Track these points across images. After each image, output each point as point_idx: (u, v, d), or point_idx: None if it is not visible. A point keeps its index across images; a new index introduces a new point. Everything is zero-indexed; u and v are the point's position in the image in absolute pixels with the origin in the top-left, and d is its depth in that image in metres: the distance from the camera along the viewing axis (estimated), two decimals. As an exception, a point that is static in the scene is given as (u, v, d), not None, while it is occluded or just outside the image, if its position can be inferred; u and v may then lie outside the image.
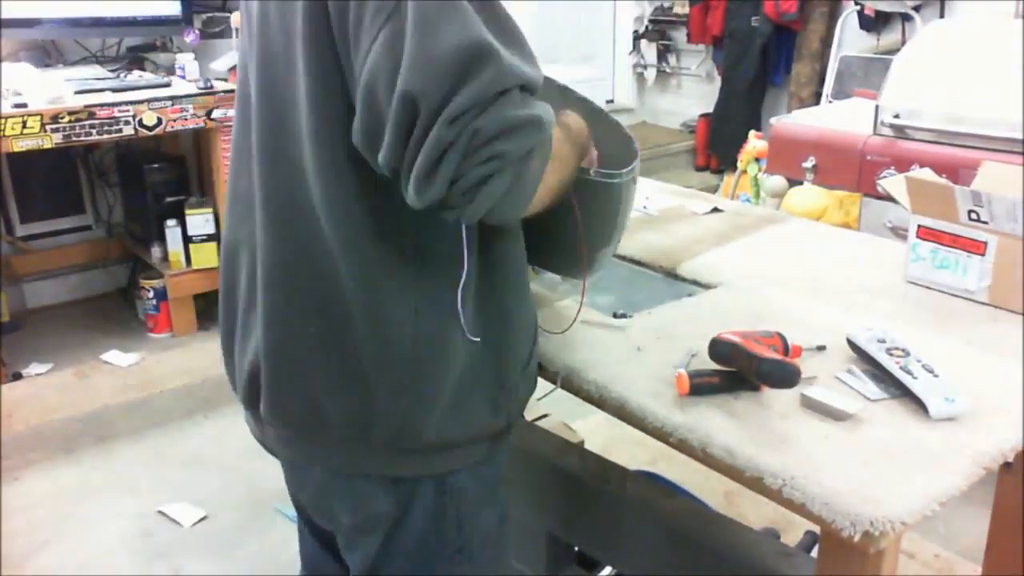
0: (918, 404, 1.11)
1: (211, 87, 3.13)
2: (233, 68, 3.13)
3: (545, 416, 2.21)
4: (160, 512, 2.44)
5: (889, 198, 2.00)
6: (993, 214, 1.41)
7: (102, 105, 2.90)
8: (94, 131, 2.88)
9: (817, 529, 1.02)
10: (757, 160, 3.63)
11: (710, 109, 5.49)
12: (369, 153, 0.94)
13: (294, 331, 1.09)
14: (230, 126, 2.53)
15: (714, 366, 1.19)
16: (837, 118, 3.01)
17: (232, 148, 1.20)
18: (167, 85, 3.16)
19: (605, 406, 1.21)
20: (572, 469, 1.66)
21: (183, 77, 3.28)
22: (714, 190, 4.15)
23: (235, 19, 3.34)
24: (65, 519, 2.42)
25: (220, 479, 2.57)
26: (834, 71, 4.13)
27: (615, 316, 1.42)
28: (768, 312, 1.41)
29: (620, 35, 6.01)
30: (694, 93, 5.83)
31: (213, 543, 2.34)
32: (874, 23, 4.57)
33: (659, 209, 1.95)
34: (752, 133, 3.84)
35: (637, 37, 5.95)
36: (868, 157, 2.71)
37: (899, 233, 2.44)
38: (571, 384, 1.26)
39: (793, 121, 3.08)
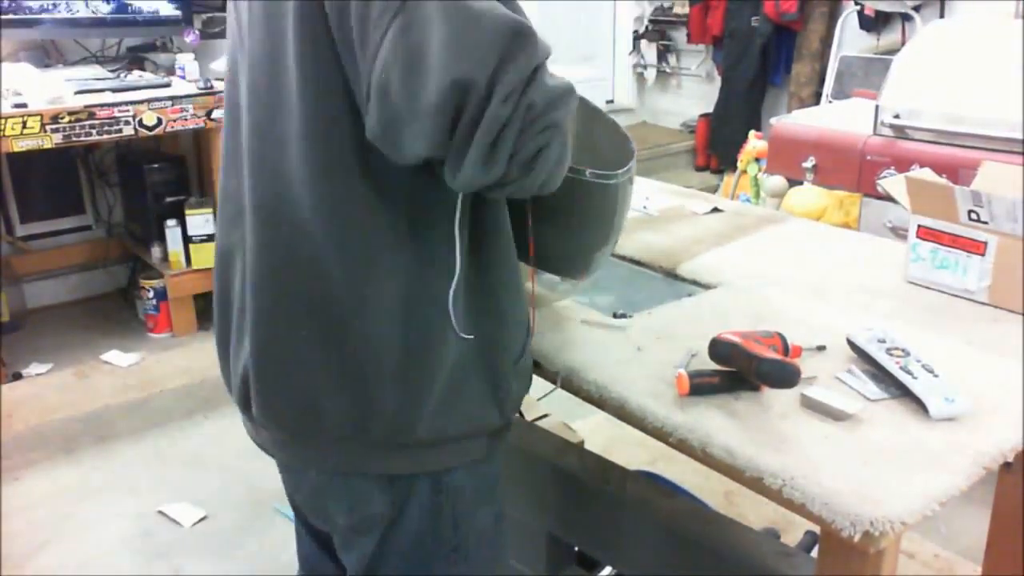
0: (918, 404, 1.11)
1: (211, 87, 3.13)
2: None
3: (545, 416, 2.21)
4: (160, 512, 2.44)
5: (889, 198, 2.00)
6: (993, 214, 1.41)
7: (102, 105, 2.90)
8: (94, 131, 2.88)
9: (817, 529, 1.02)
10: (757, 160, 3.64)
11: (710, 109, 5.49)
12: (389, 146, 0.93)
13: (284, 334, 1.09)
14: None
15: (714, 366, 1.19)
16: (837, 118, 3.01)
17: (222, 150, 1.20)
18: (167, 85, 3.16)
19: (605, 406, 1.21)
20: (572, 469, 1.66)
21: (183, 77, 3.28)
22: (714, 190, 4.15)
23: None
24: (65, 519, 2.42)
25: (220, 479, 2.57)
26: (834, 71, 4.13)
27: (615, 316, 1.42)
28: (768, 312, 1.41)
29: (620, 35, 6.01)
30: (694, 93, 5.83)
31: (213, 543, 2.34)
32: (874, 23, 4.57)
33: (659, 209, 1.95)
34: (752, 133, 3.85)
35: (637, 37, 5.95)
36: (868, 157, 2.71)
37: (899, 233, 2.44)
38: (571, 384, 1.26)
39: (793, 121, 3.08)
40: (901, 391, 1.14)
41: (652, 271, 1.66)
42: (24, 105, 2.78)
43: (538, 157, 0.91)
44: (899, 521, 0.93)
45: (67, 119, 2.82)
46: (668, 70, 5.99)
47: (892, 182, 1.76)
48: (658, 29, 5.89)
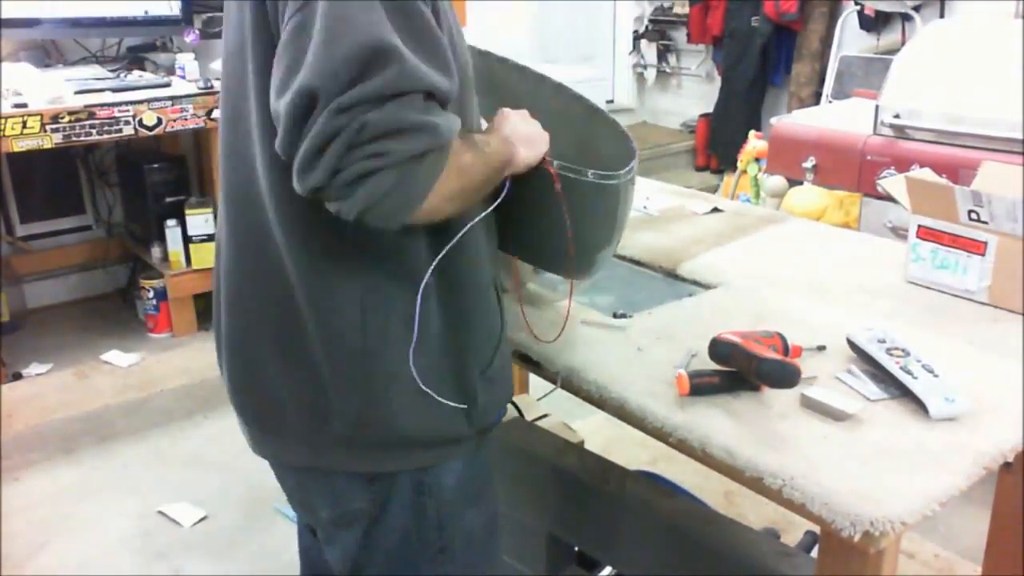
0: (918, 404, 1.11)
1: (211, 87, 3.13)
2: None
3: (545, 416, 2.21)
4: (160, 512, 2.44)
5: (889, 198, 2.00)
6: (993, 214, 1.41)
7: (102, 105, 2.90)
8: (94, 131, 2.88)
9: (817, 529, 1.02)
10: (757, 160, 3.63)
11: (710, 109, 5.48)
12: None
13: (250, 324, 1.11)
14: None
15: (714, 366, 1.19)
16: (837, 118, 3.01)
17: (220, 146, 1.21)
18: (167, 85, 3.16)
19: (605, 406, 1.21)
20: (572, 469, 1.66)
21: (183, 77, 3.28)
22: (714, 190, 4.15)
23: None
24: (65, 519, 2.42)
25: (220, 479, 2.57)
26: (834, 71, 4.13)
27: (615, 316, 1.42)
28: (768, 312, 1.41)
29: (620, 35, 6.01)
30: (694, 93, 5.83)
31: (213, 543, 2.34)
32: (874, 23, 4.56)
33: (659, 209, 1.95)
34: (752, 133, 3.84)
35: (637, 37, 5.95)
36: (868, 157, 2.71)
37: (899, 233, 2.44)
38: (571, 384, 1.26)
39: (793, 121, 3.08)
40: (901, 391, 1.14)
41: (652, 271, 1.66)
42: (24, 105, 2.78)
43: (361, 181, 0.89)
44: (899, 521, 0.93)
45: (67, 119, 2.82)
46: (668, 70, 5.99)
47: (892, 182, 1.76)
48: (658, 29, 5.88)
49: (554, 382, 1.29)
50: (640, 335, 1.33)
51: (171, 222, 3.41)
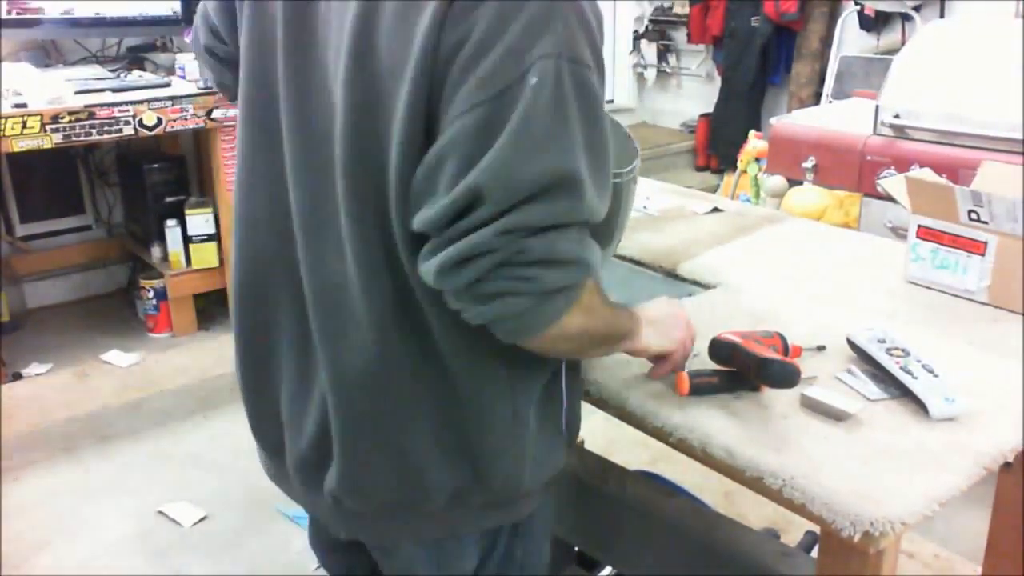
0: (918, 404, 1.11)
1: (211, 87, 3.13)
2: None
3: (545, 416, 2.20)
4: (160, 512, 2.44)
5: (889, 198, 1.99)
6: (993, 214, 1.41)
7: (102, 105, 2.90)
8: (94, 131, 2.88)
9: (817, 529, 1.02)
10: (757, 160, 3.64)
11: (710, 109, 5.49)
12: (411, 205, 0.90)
13: (385, 394, 1.00)
14: (230, 126, 2.51)
15: (714, 366, 1.19)
16: (837, 118, 3.01)
17: (244, 166, 1.11)
18: (167, 85, 3.16)
19: (605, 406, 1.21)
20: (572, 469, 1.66)
21: (183, 77, 3.28)
22: (714, 190, 4.15)
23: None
24: (65, 519, 2.42)
25: (220, 479, 2.57)
26: (834, 71, 4.13)
27: (615, 316, 1.42)
28: (768, 312, 1.41)
29: (620, 35, 6.01)
30: (694, 93, 5.83)
31: (213, 543, 2.33)
32: (874, 23, 4.57)
33: (659, 209, 1.95)
34: (752, 133, 3.85)
35: (637, 37, 5.95)
36: (868, 157, 2.71)
37: (899, 233, 2.44)
38: (571, 384, 1.26)
39: (793, 121, 3.08)
40: (901, 391, 1.14)
41: (652, 271, 1.65)
42: (24, 105, 2.78)
43: (499, 298, 0.87)
44: (899, 521, 0.93)
45: (67, 119, 2.82)
46: (668, 70, 5.99)
47: (892, 182, 1.76)
48: (658, 29, 5.88)
49: (554, 382, 1.29)
50: (640, 335, 1.33)
51: (171, 222, 3.41)
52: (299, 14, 1.00)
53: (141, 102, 2.98)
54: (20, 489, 2.54)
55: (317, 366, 1.04)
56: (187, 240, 3.42)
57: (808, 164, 2.85)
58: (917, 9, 4.32)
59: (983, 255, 1.44)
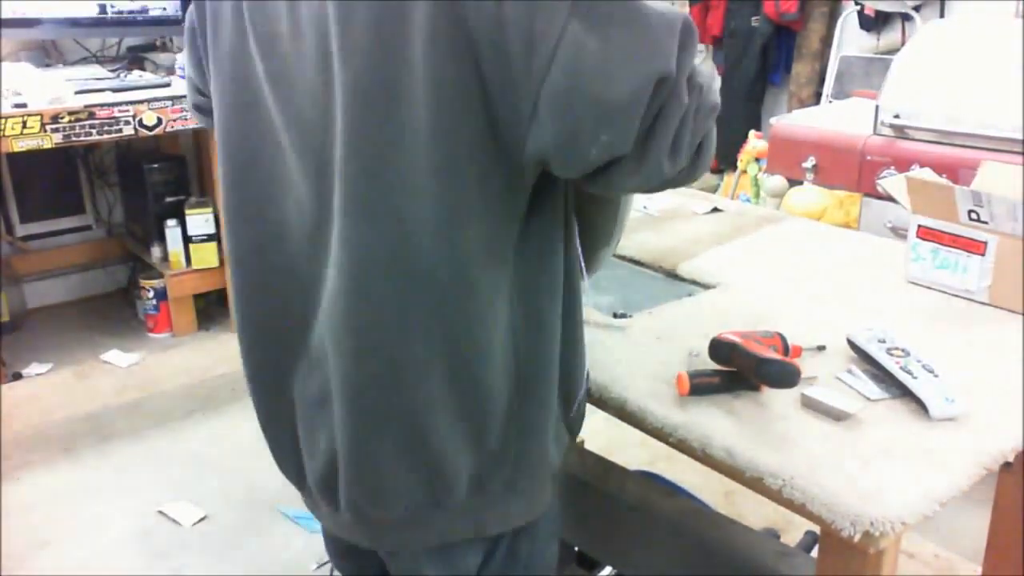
0: (918, 404, 1.11)
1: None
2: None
3: (545, 416, 2.20)
4: (160, 512, 2.44)
5: (889, 198, 1.99)
6: (993, 214, 1.41)
7: (102, 105, 2.90)
8: (94, 131, 2.88)
9: (817, 529, 1.02)
10: (757, 160, 3.64)
11: (710, 109, 5.48)
12: (563, 158, 0.88)
13: (402, 395, 0.97)
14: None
15: (714, 366, 1.19)
16: (837, 118, 3.01)
17: (230, 173, 1.06)
18: (167, 85, 3.16)
19: (605, 406, 1.21)
20: (572, 469, 1.66)
21: (183, 77, 3.27)
22: (714, 190, 4.15)
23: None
24: (65, 519, 2.42)
25: (220, 479, 2.57)
26: (834, 71, 4.13)
27: (615, 316, 1.42)
28: (768, 312, 1.41)
29: (620, 35, 6.00)
30: (694, 93, 5.82)
31: (213, 543, 2.34)
32: (874, 23, 4.56)
33: (659, 209, 1.95)
34: (752, 133, 3.84)
35: (637, 37, 5.95)
36: (868, 157, 2.71)
37: (899, 233, 2.44)
38: (571, 384, 1.26)
39: (793, 121, 3.08)
40: (901, 391, 1.14)
41: (652, 271, 1.66)
42: (24, 105, 2.78)
43: (706, 142, 0.92)
44: (899, 521, 0.93)
45: (67, 119, 2.82)
46: (668, 70, 5.98)
47: (892, 182, 1.75)
48: (658, 29, 5.88)
49: (554, 382, 1.29)
50: (640, 335, 1.33)
51: (171, 222, 3.42)
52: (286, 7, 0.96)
53: (141, 102, 2.98)
54: (20, 489, 2.54)
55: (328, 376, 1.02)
56: (187, 240, 3.42)
57: (808, 164, 2.85)
58: (917, 9, 4.32)
59: (983, 255, 1.44)
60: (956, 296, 1.49)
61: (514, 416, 1.01)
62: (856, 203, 2.77)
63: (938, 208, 1.48)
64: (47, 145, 2.81)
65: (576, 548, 1.79)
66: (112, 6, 3.33)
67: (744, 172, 3.76)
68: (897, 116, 2.66)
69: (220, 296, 3.55)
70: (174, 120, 3.05)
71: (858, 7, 4.51)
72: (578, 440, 2.12)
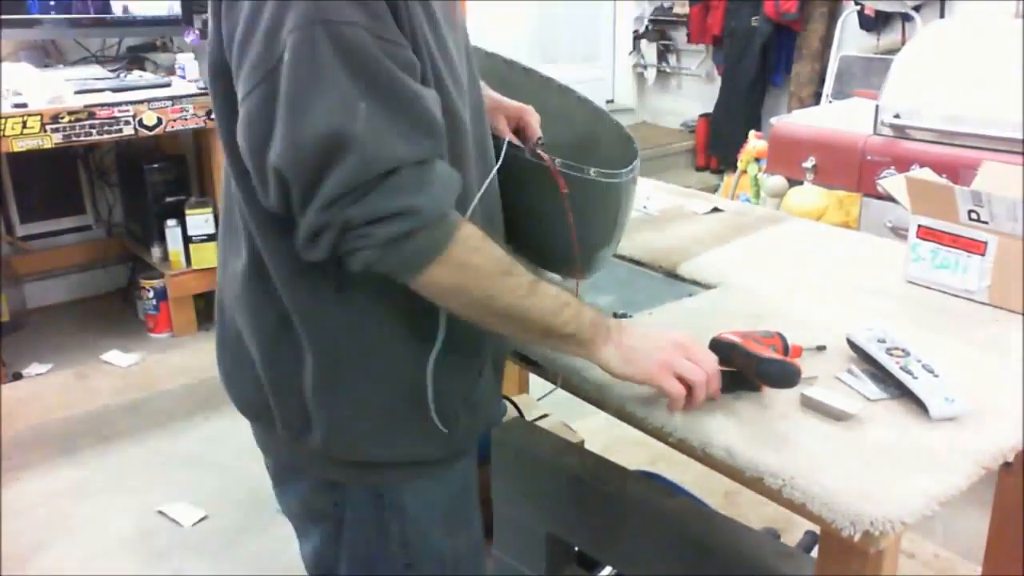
0: (918, 404, 1.11)
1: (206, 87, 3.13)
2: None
3: (545, 416, 2.20)
4: (160, 512, 2.44)
5: (889, 198, 2.00)
6: (993, 214, 1.41)
7: (102, 105, 2.90)
8: (94, 131, 2.88)
9: (817, 529, 1.02)
10: (757, 160, 3.63)
11: (710, 109, 5.48)
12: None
13: (248, 323, 1.10)
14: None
15: (715, 366, 1.19)
16: (837, 118, 3.01)
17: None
18: (167, 85, 3.16)
19: (605, 406, 1.21)
20: (572, 469, 1.66)
21: (183, 77, 3.28)
22: (714, 190, 4.15)
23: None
24: (65, 519, 2.42)
25: (220, 479, 2.57)
26: (834, 71, 4.13)
27: (615, 316, 1.42)
28: (768, 312, 1.41)
29: (620, 35, 6.01)
30: (694, 93, 5.83)
31: (213, 543, 2.33)
32: (874, 23, 4.57)
33: (659, 209, 1.95)
34: (752, 133, 3.84)
35: (637, 37, 5.95)
36: (868, 157, 2.71)
37: (899, 233, 2.44)
38: (571, 384, 1.26)
39: (793, 121, 3.08)
40: (901, 391, 1.14)
41: (652, 271, 1.65)
42: (24, 105, 2.78)
43: (356, 254, 0.94)
44: (899, 521, 0.93)
45: (67, 119, 2.82)
46: (668, 70, 5.99)
47: (892, 182, 1.76)
48: (658, 29, 5.88)
49: (554, 382, 1.29)
50: (640, 335, 1.33)
51: (171, 222, 3.42)
52: None
53: (141, 102, 2.98)
54: (20, 489, 2.54)
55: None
56: (187, 240, 3.42)
57: (808, 164, 2.85)
58: (917, 9, 4.32)
59: (983, 255, 1.44)
60: (956, 296, 1.49)
61: (325, 400, 1.09)
62: (856, 203, 2.77)
63: (938, 208, 1.48)
64: (47, 145, 2.81)
65: (576, 548, 1.79)
66: (125, 7, 3.34)
67: (744, 172, 3.76)
68: (897, 116, 2.66)
69: (220, 296, 3.55)
70: (174, 120, 3.05)
71: (858, 7, 4.51)
72: (578, 440, 2.12)
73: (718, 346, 1.18)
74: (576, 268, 1.34)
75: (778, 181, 3.07)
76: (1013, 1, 3.89)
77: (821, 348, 1.27)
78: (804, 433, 1.08)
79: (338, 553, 1.18)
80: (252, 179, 0.97)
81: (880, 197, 2.58)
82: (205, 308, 3.55)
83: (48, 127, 2.78)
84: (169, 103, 3.03)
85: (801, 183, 2.93)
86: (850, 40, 4.57)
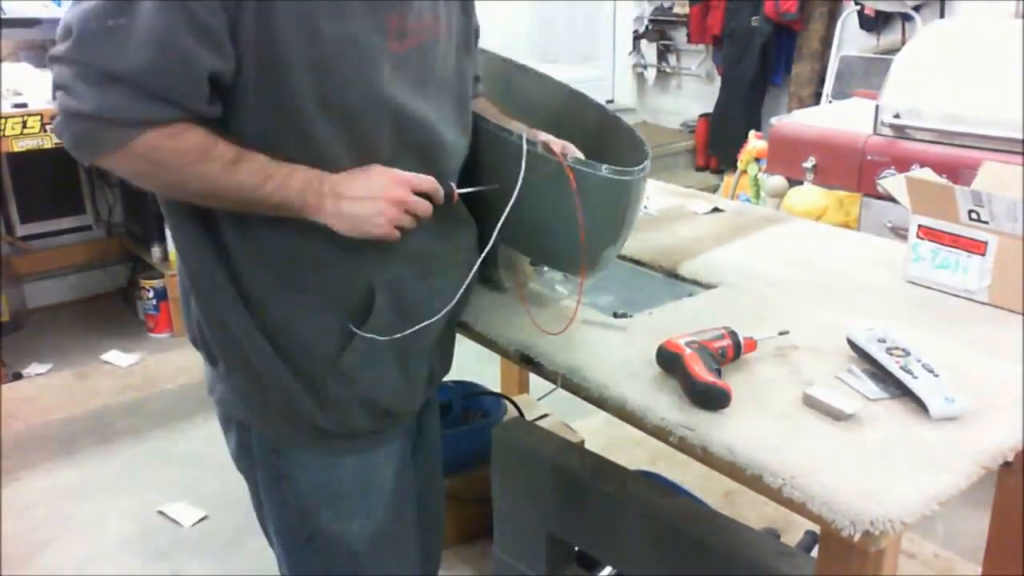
0: (918, 404, 1.11)
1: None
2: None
3: (545, 416, 2.21)
4: (160, 512, 2.44)
5: (889, 198, 1.99)
6: (993, 214, 1.41)
7: (102, 105, 2.90)
8: (94, 131, 2.88)
9: (817, 529, 1.02)
10: (757, 160, 3.63)
11: (710, 109, 5.49)
12: None
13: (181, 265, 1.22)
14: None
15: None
16: (837, 118, 3.01)
17: None
18: (167, 85, 3.15)
19: (605, 406, 1.21)
20: (572, 469, 1.66)
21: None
22: (714, 190, 4.15)
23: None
24: (65, 519, 2.42)
25: (220, 479, 2.57)
26: (834, 71, 4.13)
27: (615, 316, 1.42)
28: (768, 312, 1.41)
29: (620, 35, 6.01)
30: (694, 93, 5.83)
31: (213, 543, 2.34)
32: (874, 23, 4.57)
33: (659, 209, 1.95)
34: (752, 133, 3.84)
35: (637, 37, 5.95)
36: (868, 157, 2.71)
37: (899, 233, 2.44)
38: (571, 384, 1.26)
39: (793, 121, 3.08)
40: (901, 391, 1.14)
41: (652, 271, 1.66)
42: (24, 105, 2.78)
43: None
44: (899, 521, 0.93)
45: (67, 119, 2.81)
46: (668, 70, 5.99)
47: (892, 182, 1.76)
48: (658, 29, 5.89)
49: (554, 382, 1.29)
50: (640, 335, 1.33)
51: (171, 222, 3.41)
52: None
53: (141, 102, 2.98)
54: (20, 489, 2.54)
55: None
56: (187, 240, 3.41)
57: (808, 164, 2.85)
58: (917, 9, 4.32)
59: (983, 255, 1.44)
60: (956, 296, 1.49)
61: (204, 340, 1.25)
62: (856, 203, 2.77)
63: (938, 208, 1.48)
64: (47, 145, 2.81)
65: (576, 548, 1.79)
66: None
67: (744, 172, 3.76)
68: (897, 116, 2.66)
69: (220, 296, 3.55)
70: (174, 120, 3.05)
71: (858, 7, 4.51)
72: (578, 440, 2.12)
73: (663, 355, 1.18)
74: (582, 266, 1.35)
75: (778, 181, 3.07)
76: (1013, 1, 3.89)
77: (783, 333, 1.27)
78: (804, 432, 1.08)
79: (262, 515, 1.35)
80: None
81: (880, 197, 2.58)
82: (205, 308, 3.54)
83: (48, 127, 2.78)
84: (169, 103, 3.03)
85: (801, 183, 2.94)
86: (850, 40, 4.57)
